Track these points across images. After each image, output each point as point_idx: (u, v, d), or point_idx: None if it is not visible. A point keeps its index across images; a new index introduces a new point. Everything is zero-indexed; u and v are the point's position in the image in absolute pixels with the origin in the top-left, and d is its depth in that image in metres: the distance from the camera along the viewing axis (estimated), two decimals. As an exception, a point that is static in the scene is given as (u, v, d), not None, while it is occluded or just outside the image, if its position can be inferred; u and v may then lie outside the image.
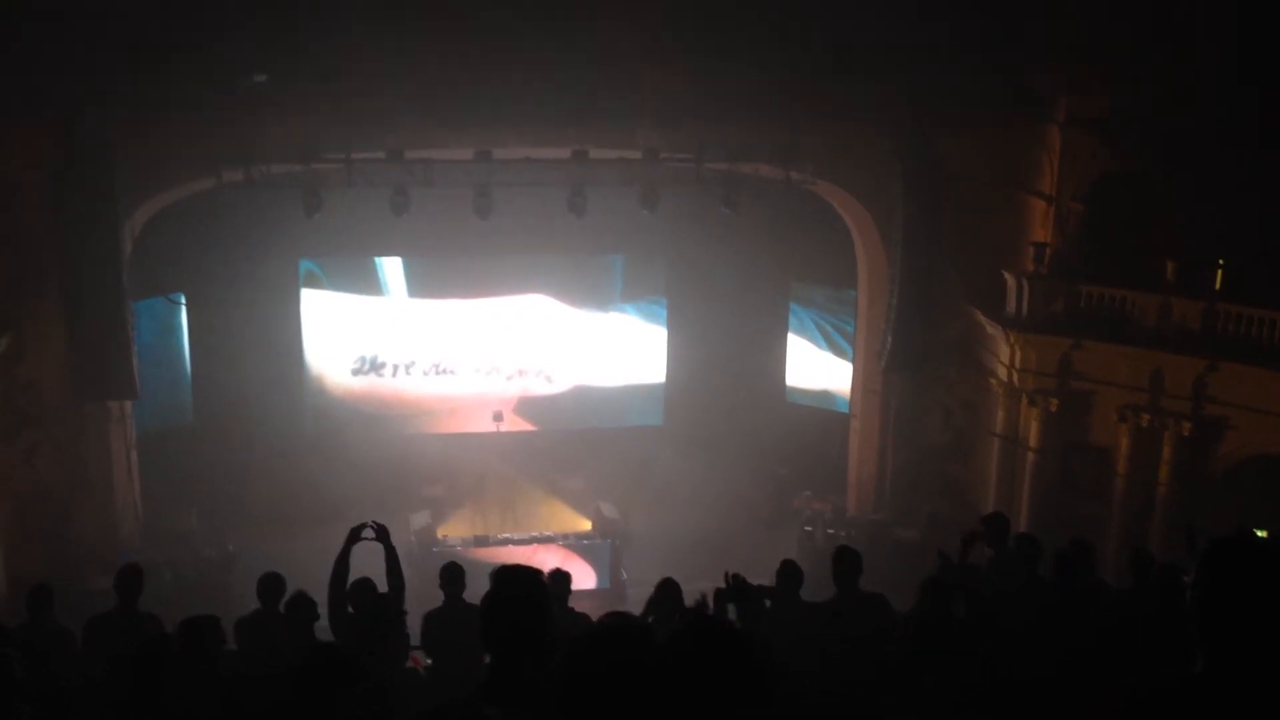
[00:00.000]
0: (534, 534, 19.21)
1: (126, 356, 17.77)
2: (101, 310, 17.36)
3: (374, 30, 16.68)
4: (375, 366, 22.08)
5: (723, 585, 7.31)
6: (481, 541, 18.63)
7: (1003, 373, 19.37)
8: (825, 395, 22.49)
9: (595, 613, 7.77)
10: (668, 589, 8.41)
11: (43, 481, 18.01)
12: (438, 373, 22.20)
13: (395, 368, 22.12)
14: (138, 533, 18.90)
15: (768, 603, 7.94)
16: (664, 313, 22.75)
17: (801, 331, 22.84)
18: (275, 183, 17.62)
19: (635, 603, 11.56)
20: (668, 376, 22.80)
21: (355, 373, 21.99)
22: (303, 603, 8.16)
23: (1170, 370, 17.48)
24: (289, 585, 8.69)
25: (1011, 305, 18.92)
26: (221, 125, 16.87)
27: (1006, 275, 19.01)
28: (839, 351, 22.24)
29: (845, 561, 8.43)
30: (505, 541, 18.64)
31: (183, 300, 20.06)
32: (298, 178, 17.61)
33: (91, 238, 17.05)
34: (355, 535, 8.01)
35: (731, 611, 7.54)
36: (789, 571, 8.58)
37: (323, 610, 8.11)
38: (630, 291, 22.63)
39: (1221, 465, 17.41)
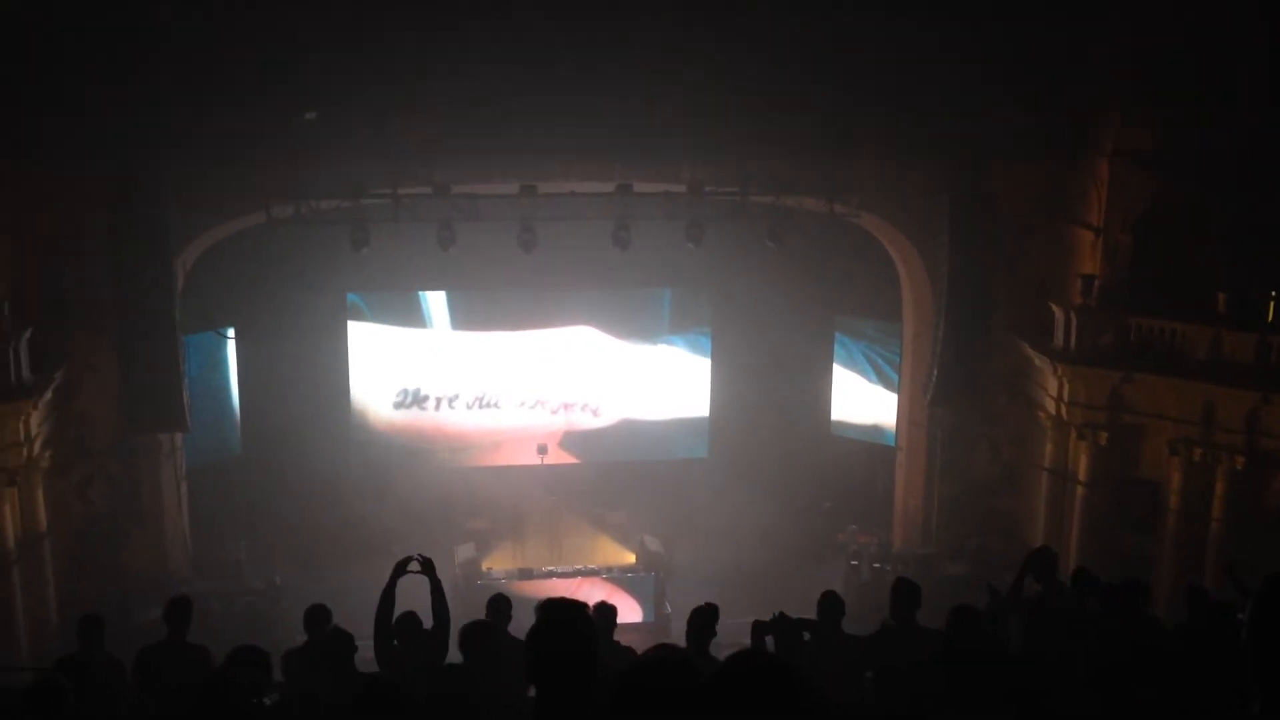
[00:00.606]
0: (578, 567, 19.19)
1: (178, 389, 18.00)
2: (154, 344, 17.60)
3: (420, 68, 16.91)
4: (418, 400, 22.10)
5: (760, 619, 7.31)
6: (526, 574, 18.64)
7: (1051, 406, 19.18)
8: (875, 430, 22.17)
9: (640, 646, 7.75)
10: (700, 615, 8.35)
11: (95, 513, 18.24)
12: (481, 406, 22.20)
13: (438, 401, 22.15)
14: (187, 564, 19.08)
15: (806, 635, 7.89)
16: (709, 344, 22.70)
17: (851, 364, 22.56)
18: (324, 218, 17.84)
19: (680, 636, 11.51)
20: (712, 409, 22.73)
21: (397, 406, 22.02)
22: (340, 637, 8.19)
23: (1222, 403, 17.23)
24: (335, 618, 8.74)
25: (1059, 338, 18.75)
26: (272, 163, 17.14)
27: (1054, 307, 18.86)
28: (889, 384, 21.95)
29: (902, 593, 8.35)
30: (549, 575, 18.63)
31: (231, 334, 20.27)
32: (346, 213, 17.82)
33: (144, 273, 17.32)
34: (401, 568, 8.06)
35: (769, 644, 7.52)
36: (830, 602, 8.52)
37: (366, 643, 8.14)
38: (678, 323, 22.61)
39: (1276, 500, 17.10)
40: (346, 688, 6.88)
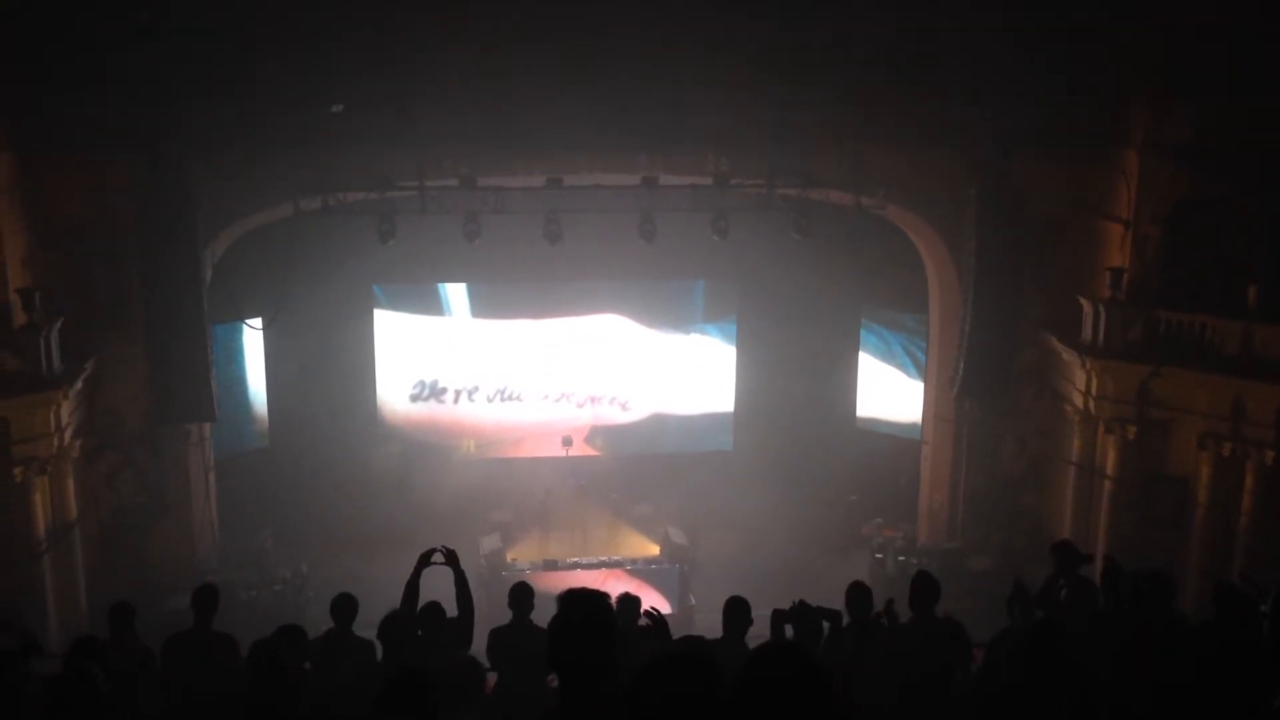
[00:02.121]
0: (603, 559, 19.22)
1: (206, 380, 18.13)
2: (182, 335, 17.74)
3: (447, 61, 16.96)
4: (435, 392, 21.94)
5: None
6: (550, 566, 18.69)
7: (1079, 400, 19.06)
8: (914, 427, 21.74)
9: (663, 638, 7.77)
10: (735, 608, 8.35)
11: (123, 504, 18.40)
12: (503, 399, 22.09)
13: (457, 394, 21.99)
14: (214, 554, 19.22)
15: (825, 625, 7.89)
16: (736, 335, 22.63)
17: (890, 358, 22.29)
18: (351, 210, 17.91)
19: (704, 628, 11.54)
20: (737, 402, 22.70)
21: (414, 399, 21.94)
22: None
23: (1252, 398, 17.07)
24: (361, 607, 8.79)
25: (1088, 332, 18.63)
26: (299, 155, 17.23)
27: (1083, 301, 18.73)
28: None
29: (920, 587, 8.35)
30: (574, 566, 18.68)
31: (260, 325, 20.33)
32: (372, 205, 17.90)
33: (173, 264, 17.46)
34: (425, 560, 8.11)
35: (788, 632, 7.52)
36: (857, 593, 8.52)
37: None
38: (711, 312, 22.51)
39: (1306, 495, 16.95)
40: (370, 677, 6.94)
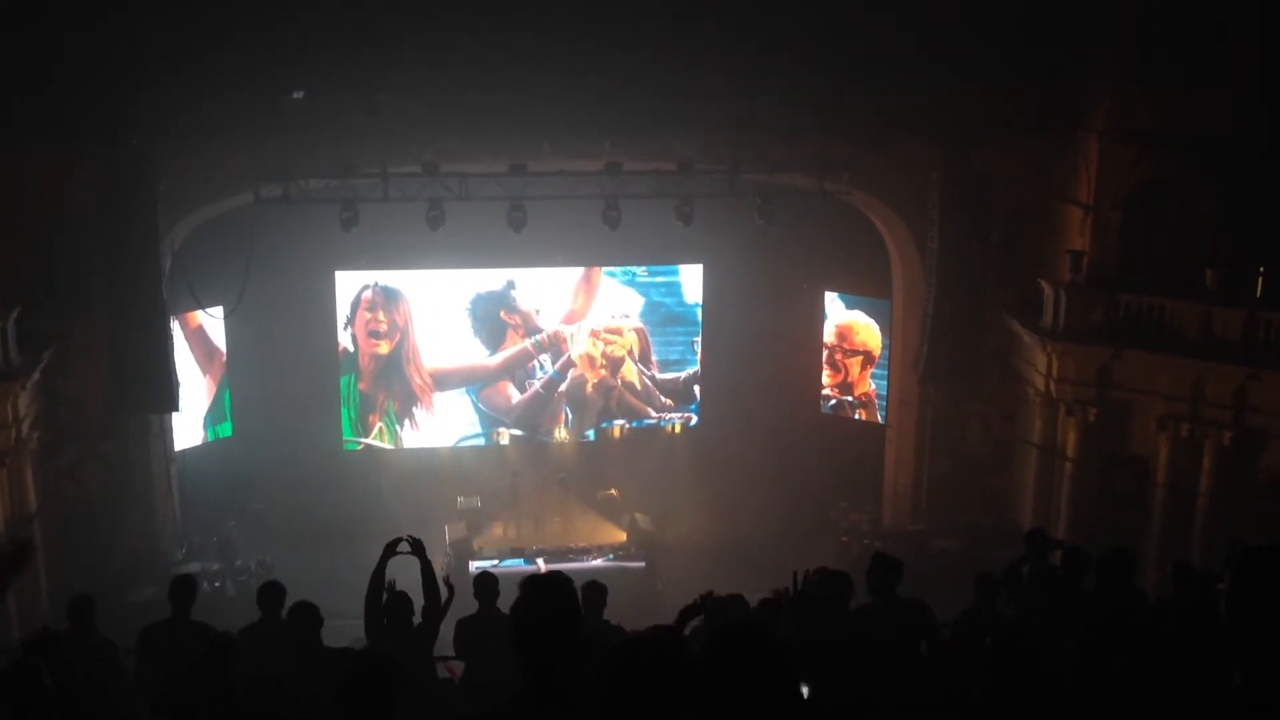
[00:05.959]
0: (569, 546, 19.21)
1: (167, 370, 17.97)
2: (142, 325, 17.56)
3: (409, 46, 16.82)
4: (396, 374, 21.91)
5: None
6: (517, 553, 18.66)
7: (1040, 383, 19.22)
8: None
9: (630, 625, 7.79)
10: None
11: (85, 495, 18.21)
12: (470, 387, 22.13)
13: (422, 374, 21.99)
14: (177, 544, 19.06)
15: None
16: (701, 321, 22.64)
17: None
18: (313, 198, 17.77)
19: (671, 615, 11.56)
20: (703, 387, 22.74)
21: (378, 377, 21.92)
22: (306, 612, 8.10)
23: (1211, 379, 17.29)
24: (326, 598, 8.74)
25: (1049, 315, 18.77)
26: (260, 142, 17.04)
27: (1043, 284, 18.88)
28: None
29: (880, 569, 8.40)
30: (539, 554, 18.67)
31: (221, 314, 20.10)
32: (335, 193, 17.76)
33: (133, 253, 17.25)
34: (391, 549, 8.08)
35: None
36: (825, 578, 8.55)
37: (356, 623, 8.17)
38: (674, 298, 22.53)
39: (1263, 476, 17.18)
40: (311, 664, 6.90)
